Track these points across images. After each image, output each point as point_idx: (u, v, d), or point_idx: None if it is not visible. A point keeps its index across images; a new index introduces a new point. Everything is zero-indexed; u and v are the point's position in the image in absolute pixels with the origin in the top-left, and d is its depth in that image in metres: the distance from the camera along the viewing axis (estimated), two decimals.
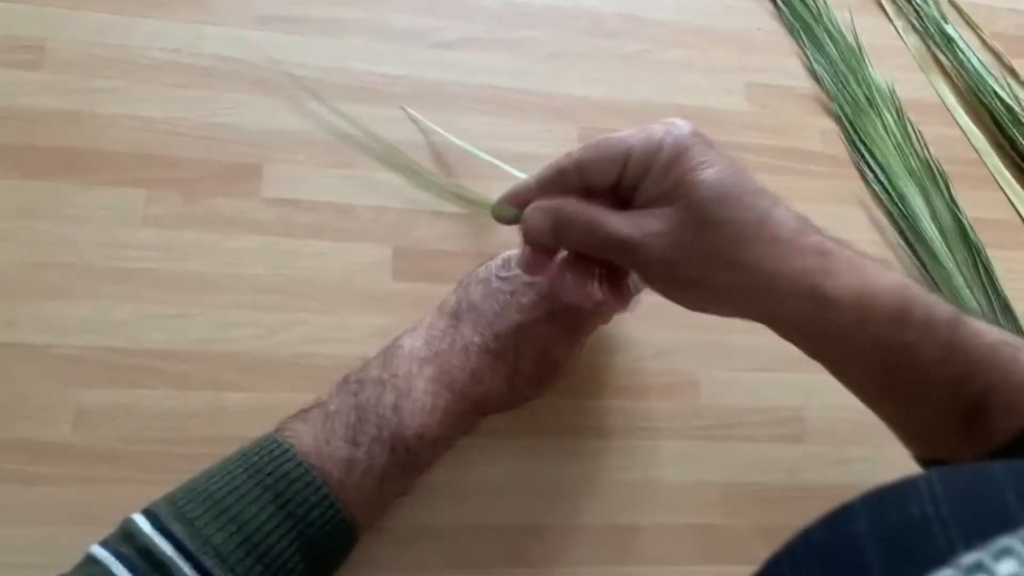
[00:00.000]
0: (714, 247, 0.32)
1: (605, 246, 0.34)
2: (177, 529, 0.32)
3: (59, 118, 0.45)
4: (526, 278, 0.41)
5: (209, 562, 0.31)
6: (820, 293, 0.31)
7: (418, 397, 0.37)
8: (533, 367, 0.40)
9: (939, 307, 0.32)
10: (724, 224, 0.32)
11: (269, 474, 0.34)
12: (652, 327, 0.48)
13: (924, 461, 0.37)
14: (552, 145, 0.51)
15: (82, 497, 0.39)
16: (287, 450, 0.34)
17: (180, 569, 0.30)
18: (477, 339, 0.39)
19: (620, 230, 0.33)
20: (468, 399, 0.39)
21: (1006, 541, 0.15)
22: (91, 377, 0.41)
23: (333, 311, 0.45)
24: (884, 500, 0.17)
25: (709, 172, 0.32)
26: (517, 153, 0.50)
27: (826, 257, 0.32)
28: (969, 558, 0.15)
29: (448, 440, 0.39)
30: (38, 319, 0.41)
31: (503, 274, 0.41)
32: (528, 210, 0.35)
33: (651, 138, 0.33)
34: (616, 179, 0.34)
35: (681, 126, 0.34)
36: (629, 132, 0.34)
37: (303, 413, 0.37)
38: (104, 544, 0.32)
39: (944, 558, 0.15)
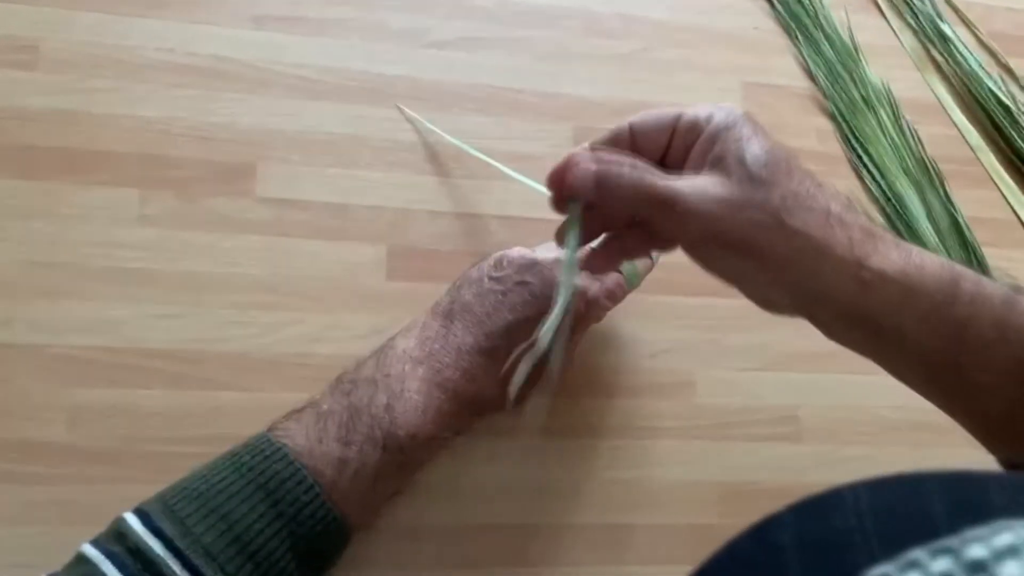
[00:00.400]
0: (765, 206, 0.30)
1: (649, 197, 0.32)
2: (167, 528, 0.32)
3: (55, 118, 0.45)
4: (518, 277, 0.41)
5: (199, 560, 0.31)
6: (867, 265, 0.30)
7: (410, 397, 0.37)
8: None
9: (990, 284, 0.31)
10: (776, 186, 0.31)
11: (260, 473, 0.34)
12: (649, 327, 0.48)
13: (1009, 464, 0.34)
14: (548, 145, 0.51)
15: (76, 496, 0.39)
16: (279, 449, 0.35)
17: (170, 568, 0.31)
18: (469, 339, 0.39)
19: (666, 181, 0.31)
20: (461, 399, 0.39)
21: (916, 553, 0.15)
22: (86, 377, 0.41)
23: (328, 310, 0.45)
24: (810, 511, 0.17)
25: (759, 143, 0.31)
26: (513, 152, 0.50)
27: (872, 236, 0.31)
28: (876, 571, 0.15)
29: (441, 440, 0.39)
30: (34, 319, 0.41)
31: (495, 274, 0.41)
32: (572, 157, 0.33)
33: (702, 108, 0.33)
34: (665, 146, 0.33)
35: (733, 106, 0.33)
36: (680, 107, 0.34)
37: (296, 413, 0.37)
38: (95, 543, 0.32)
39: (861, 571, 0.15)
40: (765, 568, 0.16)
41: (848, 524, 0.16)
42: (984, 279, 0.32)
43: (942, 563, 0.15)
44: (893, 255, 0.31)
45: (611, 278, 0.42)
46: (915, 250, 0.32)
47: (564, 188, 0.33)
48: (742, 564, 0.17)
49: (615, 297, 0.42)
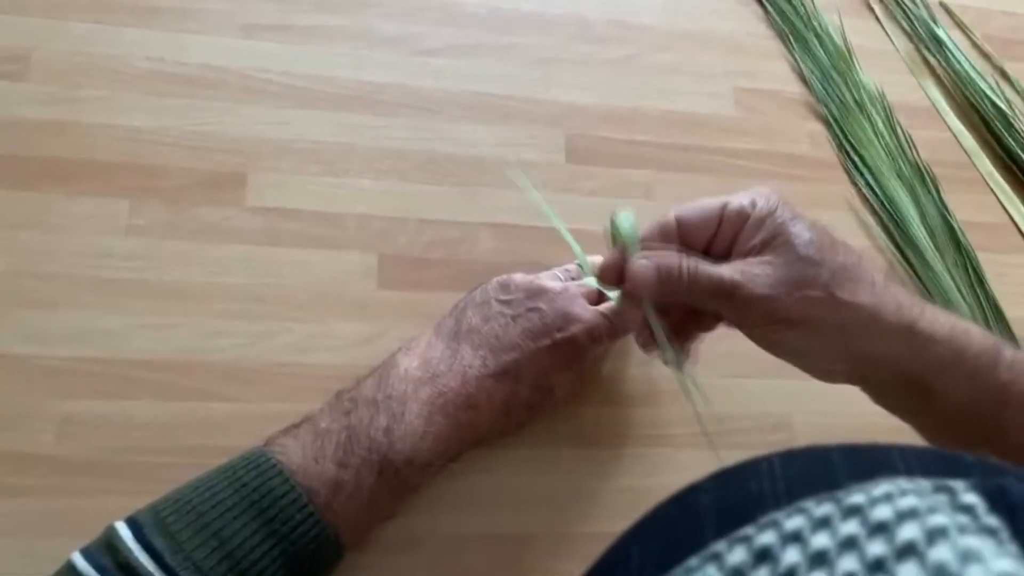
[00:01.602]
0: (816, 283, 0.33)
1: (707, 289, 0.34)
2: (159, 543, 0.31)
3: (44, 128, 0.45)
4: (529, 304, 0.40)
5: None
6: (917, 328, 0.33)
7: (411, 421, 0.37)
8: (530, 393, 0.40)
9: None
10: (824, 263, 0.33)
11: (255, 490, 0.33)
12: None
13: None
14: (538, 152, 0.51)
15: (65, 508, 0.39)
16: (274, 466, 0.34)
17: None
18: (477, 362, 0.39)
19: (723, 272, 0.33)
20: (460, 426, 0.38)
21: (806, 503, 0.16)
22: (74, 387, 0.41)
23: (318, 319, 0.44)
24: (728, 478, 0.19)
25: (801, 225, 0.34)
26: (504, 159, 0.50)
27: (915, 302, 0.34)
28: (768, 518, 0.17)
29: (437, 466, 0.39)
30: (21, 329, 0.41)
31: (503, 297, 0.41)
32: (634, 261, 0.35)
33: (744, 197, 0.34)
34: (712, 234, 0.35)
35: (769, 190, 0.35)
36: (722, 197, 0.35)
37: (293, 428, 0.37)
38: (86, 553, 0.32)
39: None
40: (685, 526, 0.17)
41: (762, 488, 0.18)
42: (1021, 351, 0.34)
43: (825, 508, 0.16)
44: (941, 319, 0.33)
45: (618, 317, 0.42)
46: (956, 316, 0.34)
47: (630, 289, 0.34)
48: (665, 524, 0.18)
49: (617, 335, 0.42)
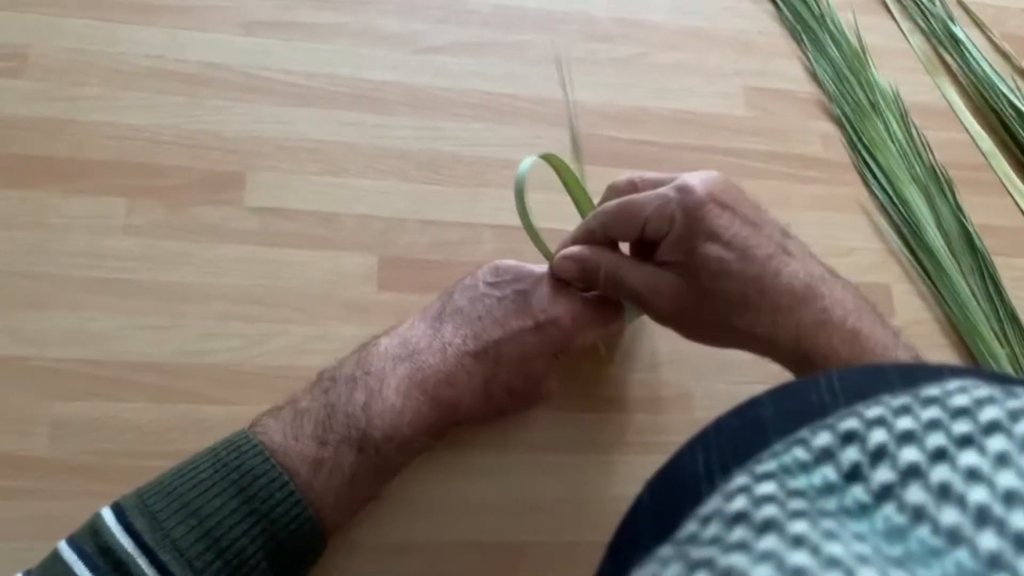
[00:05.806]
0: (713, 314, 0.36)
1: (625, 295, 0.39)
2: (140, 523, 0.32)
3: (40, 126, 0.45)
4: (516, 286, 0.40)
5: (166, 556, 0.31)
6: (809, 358, 0.35)
7: (388, 396, 0.36)
8: (511, 376, 0.39)
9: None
10: (724, 295, 0.35)
11: (235, 469, 0.33)
12: (644, 339, 0.47)
13: None
14: (543, 151, 0.50)
15: (59, 511, 0.38)
16: (255, 445, 0.34)
17: (138, 566, 0.30)
18: (457, 340, 0.38)
19: (636, 285, 0.37)
20: (440, 403, 0.38)
21: (882, 398, 0.18)
22: (69, 389, 0.40)
23: (316, 321, 0.44)
24: (788, 392, 0.19)
25: (713, 248, 0.35)
26: (508, 160, 0.49)
27: (823, 328, 0.35)
28: (847, 409, 0.18)
29: (419, 445, 0.38)
30: (16, 330, 0.41)
31: (491, 279, 0.40)
32: (558, 257, 0.39)
33: (664, 208, 0.36)
34: (637, 238, 0.37)
35: (694, 190, 0.35)
36: (646, 199, 0.36)
37: (276, 410, 0.37)
38: (70, 540, 0.32)
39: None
40: (749, 432, 0.18)
41: (822, 400, 0.18)
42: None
43: (902, 399, 0.17)
44: (842, 352, 0.35)
45: (608, 308, 0.41)
46: (869, 345, 0.35)
47: (561, 275, 0.40)
48: (728, 432, 0.19)
49: (603, 325, 0.42)
